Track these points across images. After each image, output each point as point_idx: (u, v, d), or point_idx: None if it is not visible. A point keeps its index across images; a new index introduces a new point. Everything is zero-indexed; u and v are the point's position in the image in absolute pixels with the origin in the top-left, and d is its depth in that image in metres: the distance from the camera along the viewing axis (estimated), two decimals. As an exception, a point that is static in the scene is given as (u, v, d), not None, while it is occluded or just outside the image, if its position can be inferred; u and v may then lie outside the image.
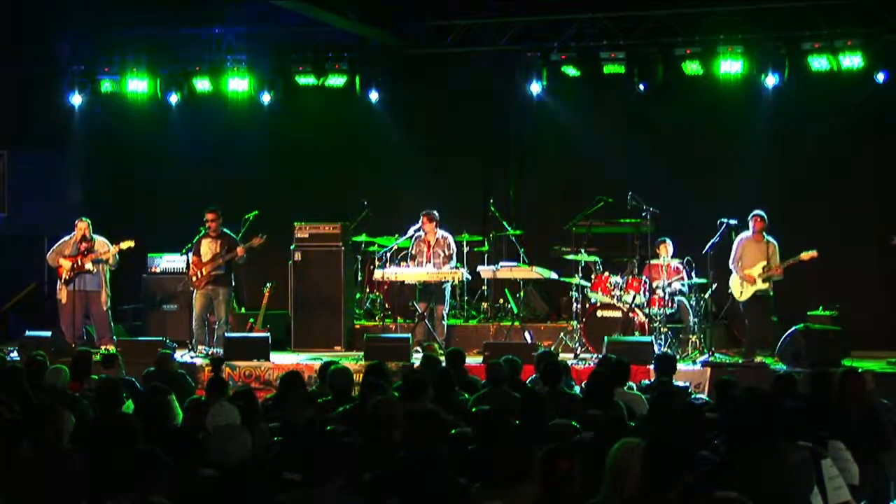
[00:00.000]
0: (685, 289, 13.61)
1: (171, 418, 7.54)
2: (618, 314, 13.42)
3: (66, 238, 14.18)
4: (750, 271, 13.26)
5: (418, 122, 16.43)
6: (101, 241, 14.12)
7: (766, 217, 13.29)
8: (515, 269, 14.43)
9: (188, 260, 14.08)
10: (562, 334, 13.94)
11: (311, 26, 15.33)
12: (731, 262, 13.41)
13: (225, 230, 14.08)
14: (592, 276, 13.74)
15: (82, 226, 14.04)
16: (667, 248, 13.83)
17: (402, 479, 5.83)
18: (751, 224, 13.31)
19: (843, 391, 7.53)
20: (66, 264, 14.00)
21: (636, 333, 13.19)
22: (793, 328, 12.72)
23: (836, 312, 13.58)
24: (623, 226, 14.14)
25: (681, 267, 13.77)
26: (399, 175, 16.50)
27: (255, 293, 15.03)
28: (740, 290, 13.38)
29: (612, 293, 13.46)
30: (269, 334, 13.77)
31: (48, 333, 13.57)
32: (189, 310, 14.22)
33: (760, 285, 13.25)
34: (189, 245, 14.05)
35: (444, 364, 10.00)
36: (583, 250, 13.88)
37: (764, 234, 13.28)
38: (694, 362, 12.74)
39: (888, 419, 7.52)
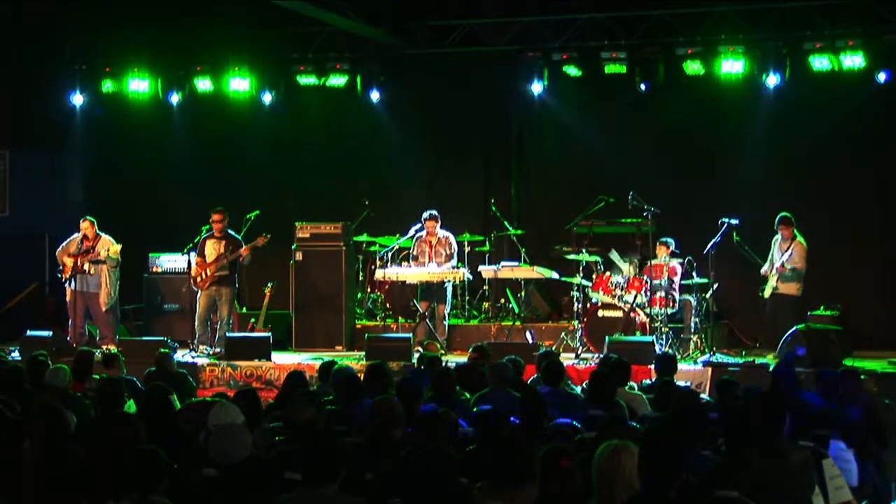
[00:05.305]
0: (686, 287, 13.61)
1: (172, 418, 7.54)
2: (619, 314, 13.43)
3: (74, 236, 14.22)
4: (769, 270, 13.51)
5: (419, 122, 16.42)
6: (104, 240, 14.12)
7: (791, 219, 13.39)
8: (517, 269, 14.44)
9: (190, 260, 14.09)
10: (563, 334, 13.93)
11: (311, 26, 15.31)
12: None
13: (229, 231, 14.12)
14: (594, 276, 13.73)
15: (84, 225, 14.08)
16: (667, 249, 13.80)
17: (403, 480, 5.82)
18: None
19: (843, 391, 7.53)
20: (69, 263, 14.04)
21: (637, 333, 13.20)
22: (794, 328, 12.72)
23: (838, 312, 13.56)
24: (624, 226, 14.13)
25: (678, 267, 13.75)
26: (400, 175, 16.50)
27: (257, 293, 15.02)
28: (766, 287, 13.53)
29: (614, 293, 13.46)
30: (270, 334, 13.78)
31: (49, 333, 13.58)
32: (191, 309, 14.22)
33: (773, 283, 13.40)
34: (191, 245, 14.06)
35: (444, 364, 9.99)
36: (584, 250, 13.89)
37: (795, 233, 13.41)
38: (695, 362, 12.75)
39: (888, 419, 7.52)
